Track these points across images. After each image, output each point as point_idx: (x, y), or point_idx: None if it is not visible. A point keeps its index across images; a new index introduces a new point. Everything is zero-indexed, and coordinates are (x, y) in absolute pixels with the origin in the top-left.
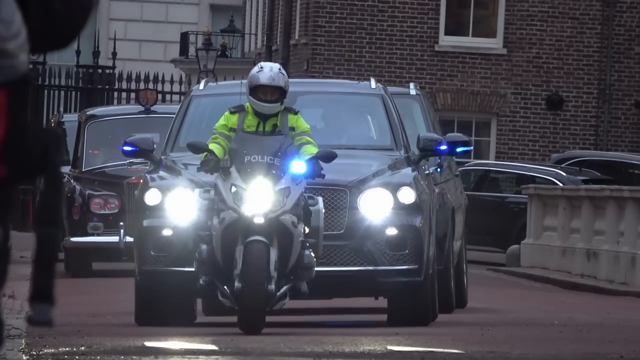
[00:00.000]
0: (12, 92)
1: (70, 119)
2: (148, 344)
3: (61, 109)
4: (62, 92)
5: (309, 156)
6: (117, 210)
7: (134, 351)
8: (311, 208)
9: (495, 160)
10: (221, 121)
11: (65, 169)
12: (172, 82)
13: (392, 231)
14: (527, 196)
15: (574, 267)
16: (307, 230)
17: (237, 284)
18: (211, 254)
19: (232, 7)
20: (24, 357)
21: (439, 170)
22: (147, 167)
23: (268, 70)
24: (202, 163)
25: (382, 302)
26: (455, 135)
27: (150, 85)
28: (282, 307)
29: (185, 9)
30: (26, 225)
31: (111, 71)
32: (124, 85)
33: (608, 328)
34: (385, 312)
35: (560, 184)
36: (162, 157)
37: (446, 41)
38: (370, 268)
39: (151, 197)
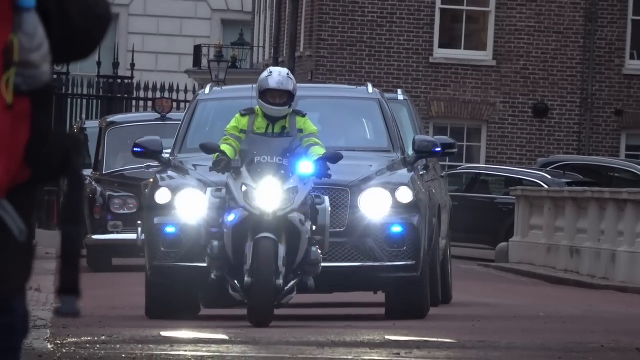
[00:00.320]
0: (35, 100)
1: (92, 125)
2: (164, 333)
3: (83, 116)
4: (85, 101)
5: (316, 157)
6: (135, 210)
7: (150, 340)
8: (318, 207)
9: (486, 164)
10: (232, 123)
11: (87, 172)
12: (186, 91)
13: (391, 229)
14: (515, 197)
15: (558, 263)
16: (314, 227)
17: (247, 279)
18: (222, 250)
19: (242, 22)
20: (49, 346)
21: (425, 170)
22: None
23: (277, 75)
24: (214, 163)
25: (380, 296)
26: (441, 138)
27: (166, 95)
28: (290, 301)
29: (198, 23)
30: (51, 223)
31: (130, 81)
32: (142, 94)
33: (590, 319)
34: (383, 306)
35: (546, 186)
36: (171, 158)
37: (440, 54)
38: (370, 264)
39: (161, 196)
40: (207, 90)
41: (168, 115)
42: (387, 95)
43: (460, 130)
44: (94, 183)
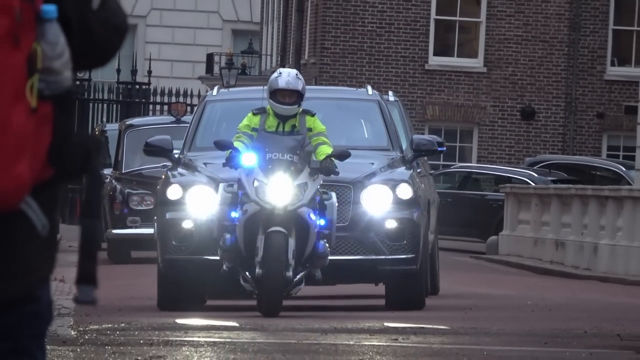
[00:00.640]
0: (57, 104)
1: (112, 128)
2: (179, 321)
3: (104, 119)
4: (105, 105)
5: (324, 155)
6: (152, 206)
7: (166, 327)
8: (326, 202)
9: (477, 163)
10: (244, 121)
11: (108, 171)
12: (199, 96)
13: (391, 224)
14: (504, 194)
15: (544, 255)
16: (322, 222)
17: (258, 270)
18: (234, 242)
19: (251, 32)
20: (72, 333)
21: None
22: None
23: (286, 76)
24: (227, 159)
25: (380, 288)
26: (433, 137)
27: (181, 99)
28: (298, 292)
29: (210, 33)
30: (75, 219)
31: (147, 87)
32: (158, 99)
33: (574, 307)
34: (383, 298)
35: (533, 184)
36: (181, 156)
37: (434, 61)
38: (372, 257)
39: (173, 192)
40: (214, 92)
41: (182, 119)
42: None
43: (454, 132)
44: (114, 181)
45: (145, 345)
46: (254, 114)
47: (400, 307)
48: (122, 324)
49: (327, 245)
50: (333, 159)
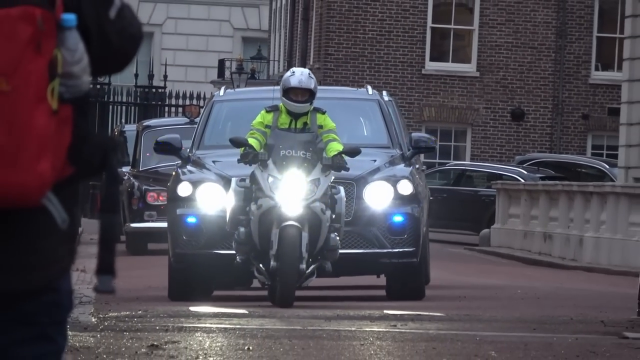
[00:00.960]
0: (77, 107)
1: (130, 128)
2: (192, 308)
3: (123, 120)
4: (124, 107)
5: (335, 152)
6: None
7: (181, 314)
8: (335, 196)
9: (470, 161)
10: (258, 119)
11: (126, 169)
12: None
13: (393, 218)
14: (495, 190)
15: (533, 247)
16: (333, 216)
17: (272, 263)
18: (248, 235)
19: (260, 39)
20: (93, 319)
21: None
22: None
23: (299, 74)
24: (242, 155)
25: (382, 279)
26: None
27: (194, 102)
28: (309, 284)
29: (222, 40)
30: (95, 213)
31: (163, 90)
32: (173, 101)
33: (561, 296)
34: (384, 289)
35: (522, 180)
36: (190, 154)
37: (431, 66)
38: (374, 250)
39: (183, 189)
40: (221, 92)
41: (196, 120)
42: None
43: (449, 132)
44: (132, 178)
45: (160, 331)
46: (267, 112)
47: (401, 298)
48: (139, 312)
49: (337, 238)
50: (343, 155)
